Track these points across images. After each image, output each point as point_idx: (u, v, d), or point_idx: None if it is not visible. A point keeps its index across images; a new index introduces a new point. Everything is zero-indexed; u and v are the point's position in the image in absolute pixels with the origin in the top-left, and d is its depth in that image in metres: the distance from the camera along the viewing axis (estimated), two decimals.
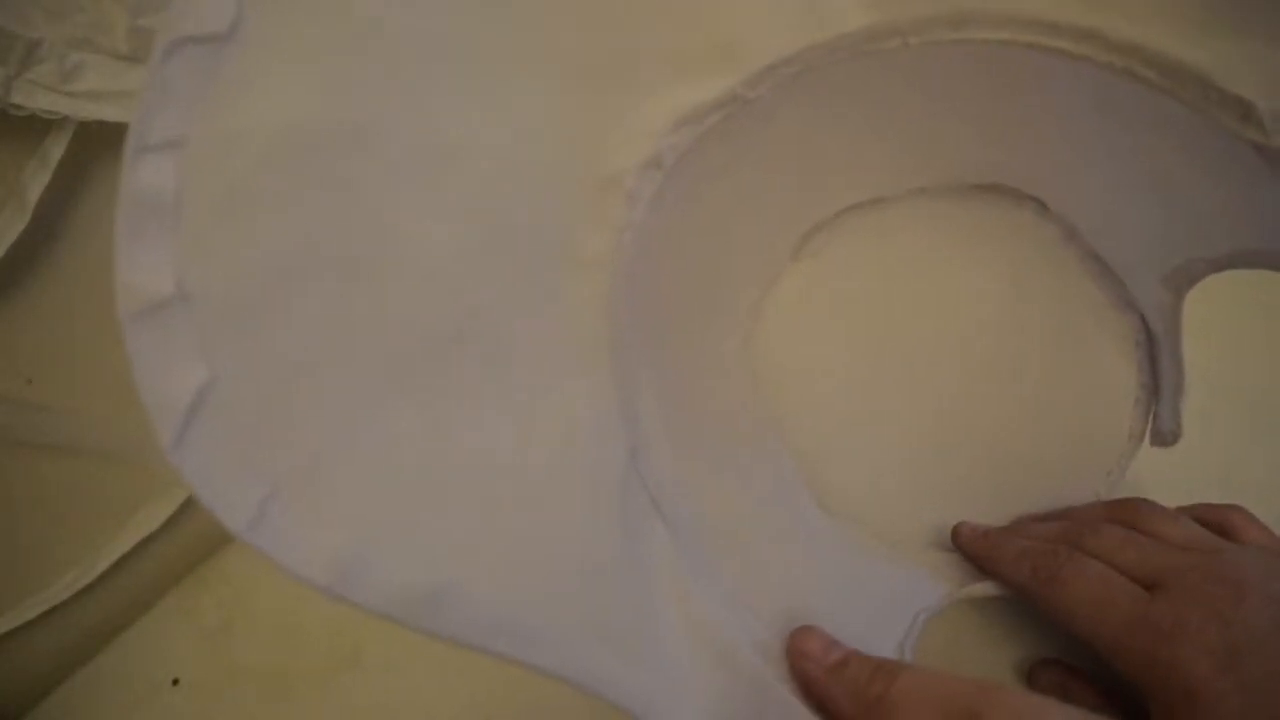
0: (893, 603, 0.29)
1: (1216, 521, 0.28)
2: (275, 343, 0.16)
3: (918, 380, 0.34)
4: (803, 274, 0.34)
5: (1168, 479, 0.33)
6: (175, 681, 0.35)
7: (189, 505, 0.35)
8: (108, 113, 0.26)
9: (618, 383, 0.23)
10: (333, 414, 0.17)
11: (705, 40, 0.24)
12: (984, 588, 0.30)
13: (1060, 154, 0.30)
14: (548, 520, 0.20)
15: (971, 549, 0.30)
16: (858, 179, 0.33)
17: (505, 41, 0.21)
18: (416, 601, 0.16)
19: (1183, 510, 0.29)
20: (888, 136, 0.30)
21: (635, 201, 0.24)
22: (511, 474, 0.19)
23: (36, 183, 0.26)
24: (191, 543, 0.37)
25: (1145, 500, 0.30)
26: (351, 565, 0.16)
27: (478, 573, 0.17)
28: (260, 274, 0.16)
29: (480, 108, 0.21)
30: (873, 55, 0.25)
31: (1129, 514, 0.29)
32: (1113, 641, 0.25)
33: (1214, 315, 0.32)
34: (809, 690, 0.23)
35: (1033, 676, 0.30)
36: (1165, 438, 0.32)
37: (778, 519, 0.31)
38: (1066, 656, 0.31)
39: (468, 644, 0.16)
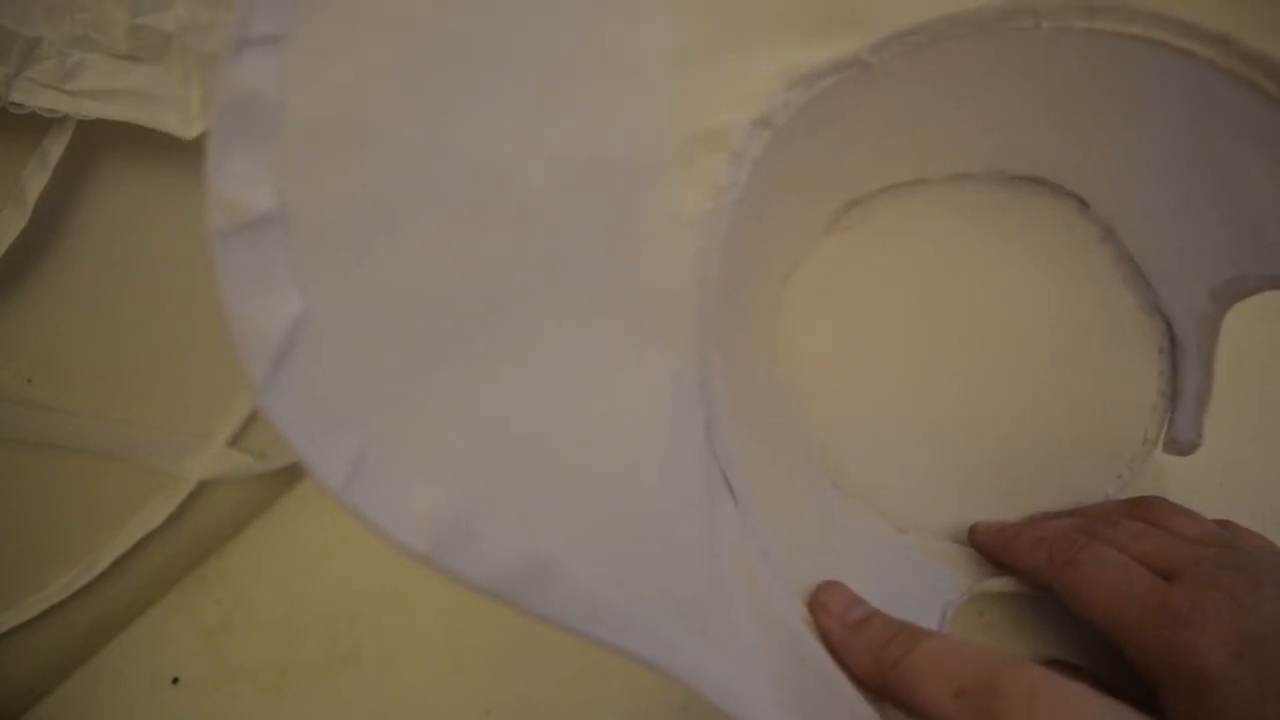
0: (919, 591, 0.29)
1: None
2: (374, 277, 0.15)
3: (938, 367, 0.34)
4: (835, 248, 0.34)
5: (1168, 479, 0.34)
6: (175, 680, 0.35)
7: (189, 504, 0.35)
8: (108, 111, 0.26)
9: (700, 353, 0.23)
10: (430, 361, 0.15)
11: (835, 1, 0.23)
12: (1000, 583, 0.30)
13: (1121, 155, 0.30)
14: (638, 496, 0.19)
15: (988, 543, 0.30)
16: (905, 158, 0.33)
17: (620, 17, 0.20)
18: (519, 578, 0.14)
19: None
20: (951, 118, 0.30)
21: (741, 160, 0.23)
22: (599, 446, 0.18)
23: (36, 181, 0.26)
24: (191, 542, 0.37)
25: (1160, 498, 0.30)
26: (453, 531, 0.14)
27: (578, 550, 0.16)
28: (361, 199, 0.15)
29: (590, 43, 0.20)
30: (993, 35, 0.25)
31: (1144, 510, 0.29)
32: (1128, 625, 0.24)
33: None
34: (827, 645, 0.23)
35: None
36: (1181, 446, 0.31)
37: (808, 496, 0.30)
38: (1071, 656, 0.31)
39: (566, 627, 0.15)
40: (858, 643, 0.22)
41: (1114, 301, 0.33)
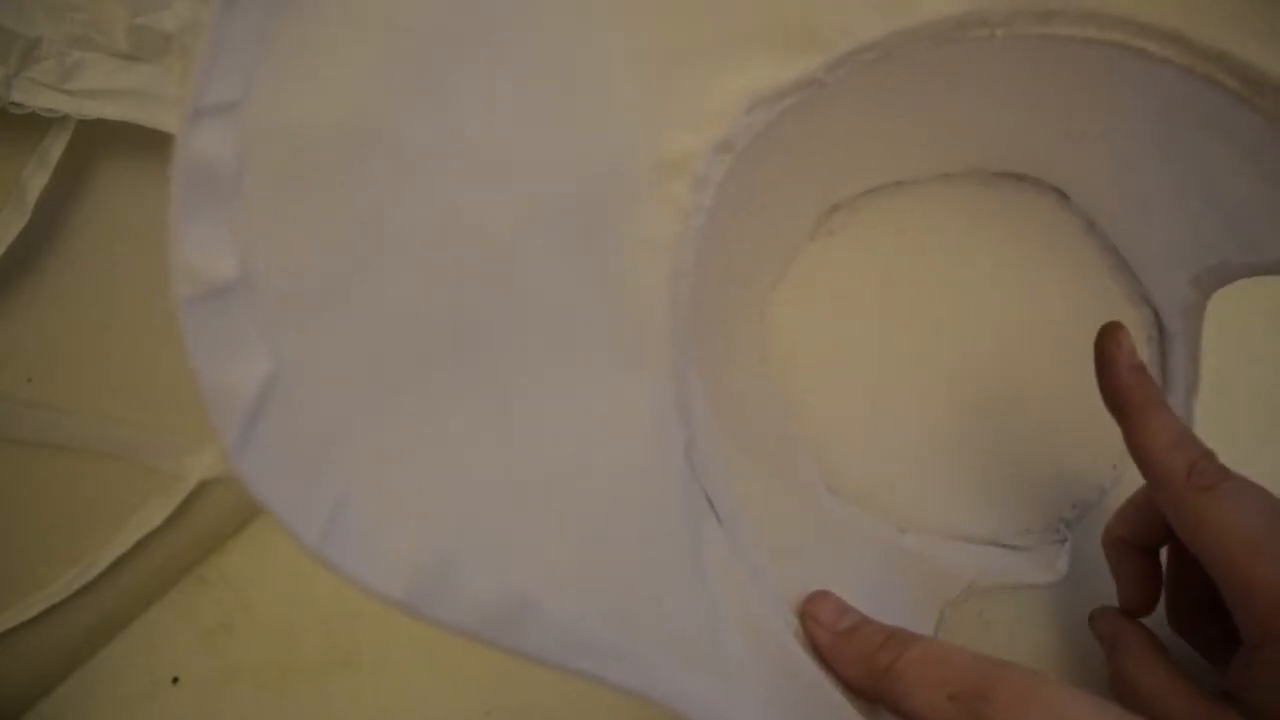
0: (915, 594, 0.29)
1: None
2: (340, 332, 0.15)
3: (928, 366, 0.34)
4: (819, 253, 0.34)
5: None
6: (175, 680, 0.35)
7: (189, 504, 0.35)
8: (107, 111, 0.26)
9: (675, 375, 0.23)
10: (401, 406, 0.16)
11: (789, 21, 0.23)
12: (1000, 581, 0.30)
13: (1096, 149, 0.30)
14: (616, 525, 0.19)
15: (1126, 390, 0.26)
16: (884, 162, 0.33)
17: (578, 16, 0.20)
18: (499, 618, 0.15)
19: None
20: (924, 123, 0.30)
21: (704, 185, 0.23)
22: (577, 476, 0.18)
23: (36, 181, 0.26)
24: (191, 542, 0.37)
25: None
26: (431, 578, 0.14)
27: (558, 585, 0.16)
28: (325, 256, 0.15)
29: (548, 79, 0.20)
30: (950, 45, 0.25)
31: None
32: (1250, 573, 0.22)
33: (1218, 313, 0.32)
34: (818, 656, 0.23)
35: (1092, 622, 0.29)
36: None
37: (799, 505, 0.31)
38: (1070, 654, 0.31)
39: (551, 663, 0.15)
40: (848, 651, 0.22)
41: (1100, 293, 0.33)
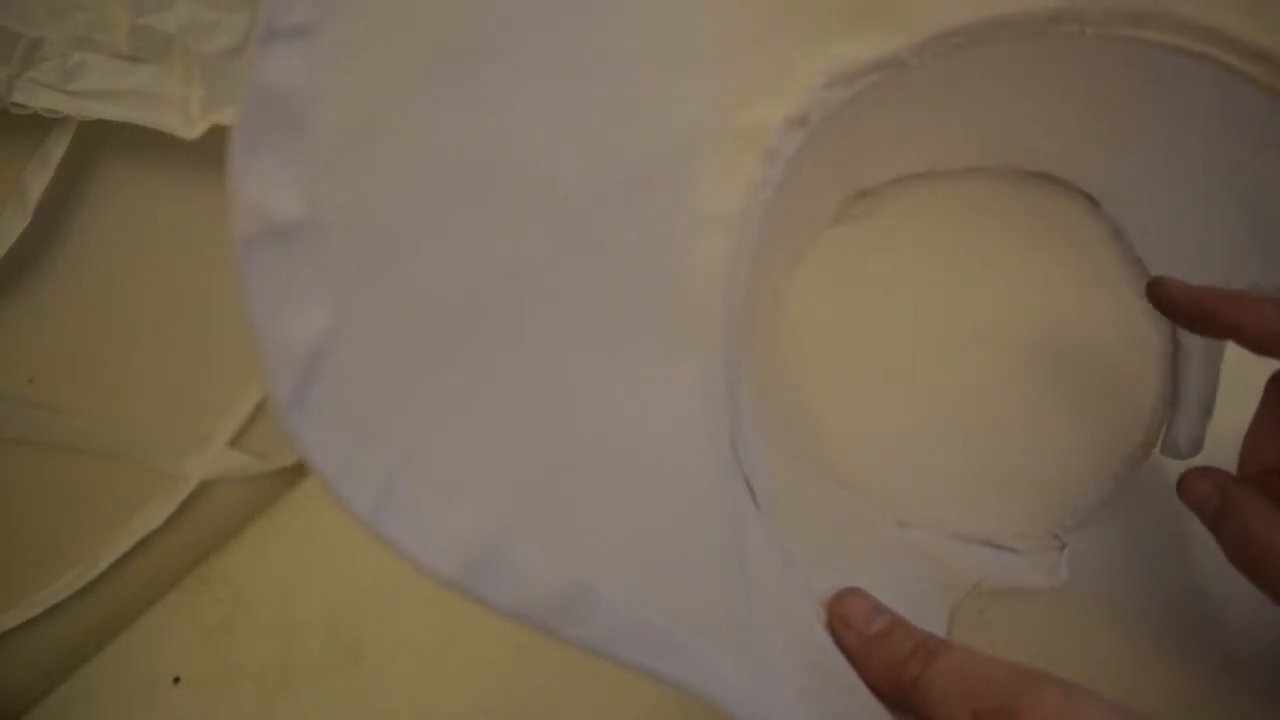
0: (927, 588, 0.28)
1: None
2: (403, 287, 0.14)
3: (940, 361, 0.34)
4: (841, 238, 0.34)
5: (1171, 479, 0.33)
6: (176, 679, 0.35)
7: (189, 504, 0.35)
8: (109, 112, 0.26)
9: (726, 356, 0.22)
10: (461, 372, 0.15)
11: None
12: (1001, 581, 0.30)
13: (1141, 160, 0.30)
14: (666, 510, 0.18)
15: (1194, 301, 0.26)
16: (919, 151, 0.33)
17: None
18: (557, 605, 0.14)
19: None
20: (966, 115, 0.30)
21: (775, 158, 0.23)
22: (629, 456, 0.18)
23: (38, 182, 0.26)
24: (192, 542, 0.37)
25: None
26: (487, 557, 0.13)
27: (613, 571, 0.15)
28: (395, 203, 0.14)
29: (633, 36, 0.19)
30: (1033, 39, 0.24)
31: None
32: None
33: None
34: (846, 658, 0.22)
35: (1186, 487, 0.27)
36: (1179, 450, 0.31)
37: (819, 494, 0.30)
38: (1069, 655, 0.31)
39: (604, 654, 0.14)
40: (876, 658, 0.22)
41: (1119, 302, 0.33)
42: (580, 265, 0.18)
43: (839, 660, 0.21)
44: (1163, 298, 0.26)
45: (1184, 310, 0.26)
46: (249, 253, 0.12)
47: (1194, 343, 0.32)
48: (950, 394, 0.33)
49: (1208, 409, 0.31)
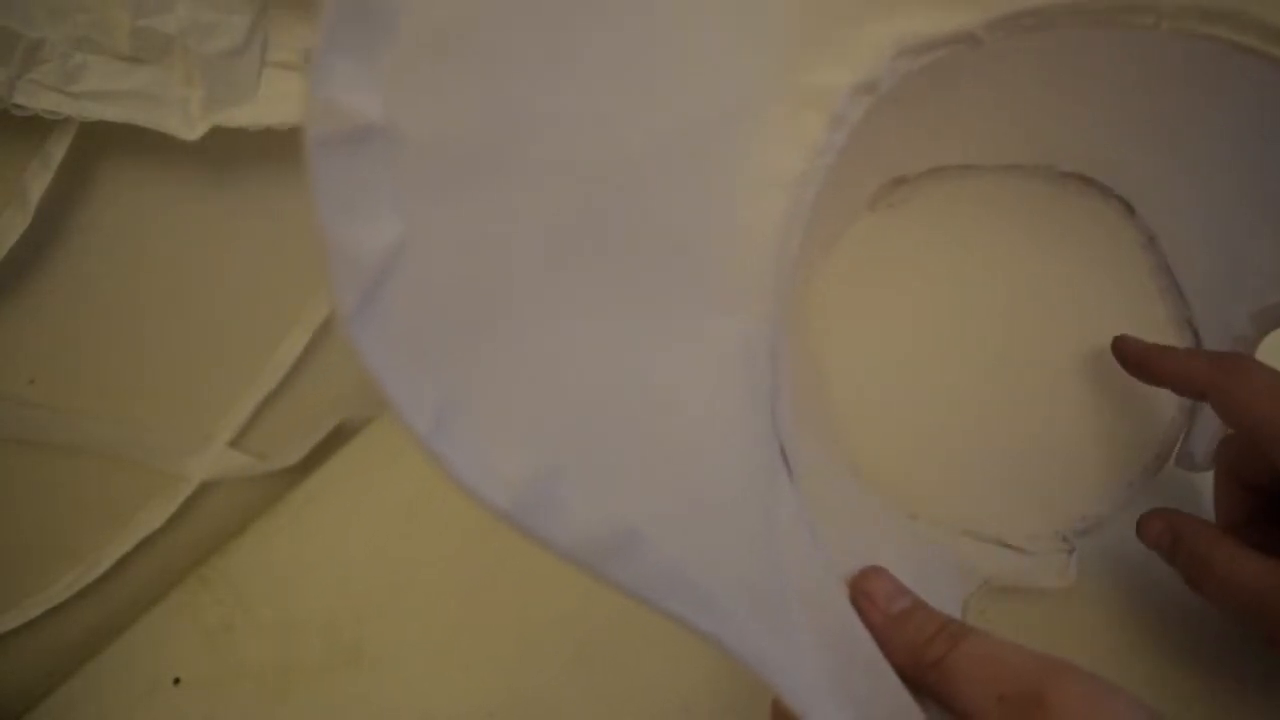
0: (940, 580, 0.28)
1: None
2: (473, 210, 0.14)
3: (961, 358, 0.34)
4: (875, 224, 0.34)
5: (1181, 479, 0.33)
6: (176, 680, 0.35)
7: (190, 505, 0.35)
8: (110, 113, 0.25)
9: (773, 320, 0.22)
10: (516, 307, 0.15)
11: None
12: (1005, 580, 0.30)
13: (1185, 167, 0.30)
14: (710, 467, 0.18)
15: (1132, 353, 0.30)
16: (959, 142, 0.33)
17: None
18: (604, 546, 0.14)
19: None
20: (1015, 108, 0.30)
21: (840, 124, 0.23)
22: (678, 409, 0.18)
23: (38, 183, 0.26)
24: (192, 542, 0.37)
25: None
26: (537, 493, 0.13)
27: (657, 520, 0.15)
28: (474, 123, 0.14)
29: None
30: (1105, 27, 0.24)
31: None
32: None
33: (1272, 351, 0.31)
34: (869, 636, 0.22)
35: (1143, 528, 0.29)
36: (1194, 463, 0.31)
37: (838, 476, 0.30)
38: (1071, 655, 0.31)
39: (645, 600, 0.14)
40: (898, 637, 0.21)
41: (1145, 311, 0.33)
42: (638, 216, 0.18)
43: (864, 637, 0.21)
44: (1119, 349, 0.30)
45: (1131, 361, 0.30)
46: (323, 154, 0.11)
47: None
48: (968, 391, 0.33)
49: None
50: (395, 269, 0.12)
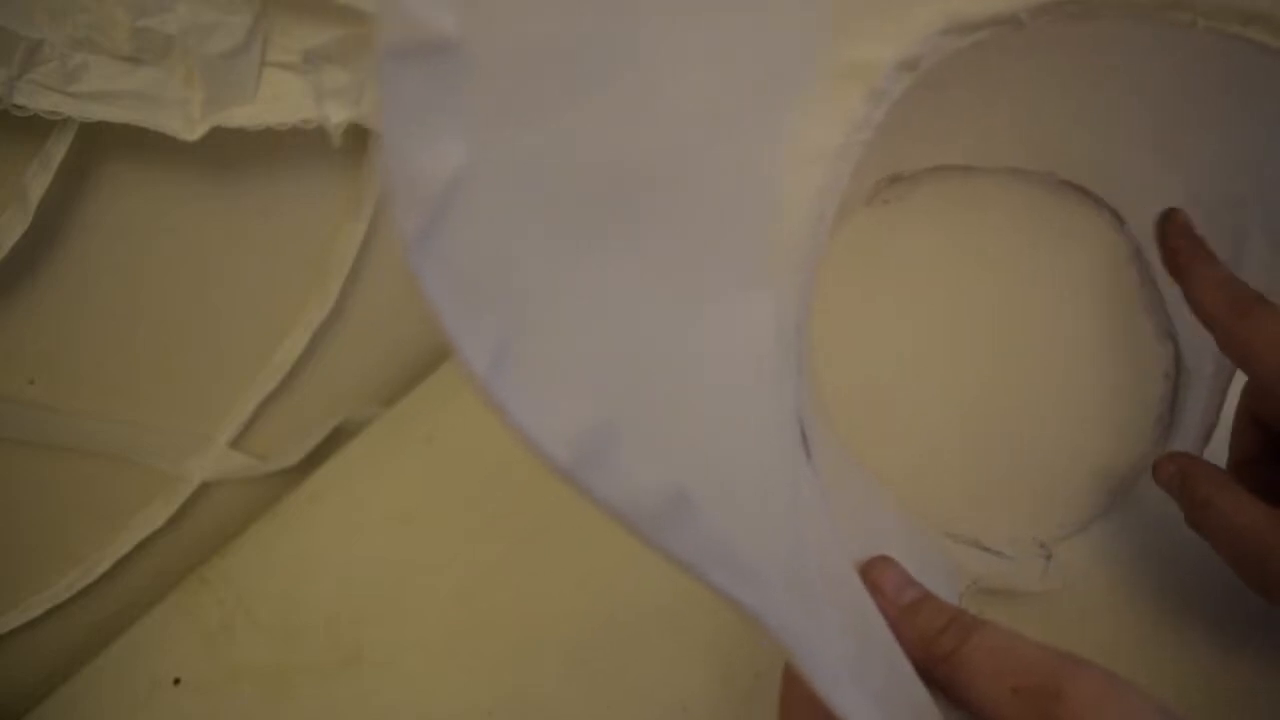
0: (937, 576, 0.28)
1: None
2: (541, 139, 0.13)
3: (947, 359, 0.34)
4: (870, 220, 0.34)
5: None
6: (176, 681, 0.35)
7: (190, 505, 0.35)
8: (110, 114, 0.26)
9: (802, 294, 0.22)
10: (573, 249, 0.14)
11: None
12: (999, 582, 0.30)
13: (1178, 178, 0.30)
14: (746, 437, 0.18)
15: (1173, 240, 0.29)
16: (962, 142, 0.33)
17: None
18: (657, 509, 0.13)
19: None
20: (1022, 111, 0.30)
21: (880, 100, 0.23)
22: (717, 378, 0.18)
23: (38, 184, 0.26)
24: (192, 543, 0.37)
25: None
26: (596, 446, 0.12)
27: (706, 487, 0.14)
28: (550, 47, 0.14)
29: None
30: (1142, 23, 0.24)
31: None
32: None
33: None
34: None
35: (1157, 469, 0.29)
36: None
37: (846, 460, 0.30)
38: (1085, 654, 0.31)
39: (691, 568, 0.13)
40: (909, 629, 0.21)
41: (1128, 322, 0.33)
42: (685, 174, 0.18)
43: (880, 625, 0.21)
44: (1163, 223, 0.29)
45: (1168, 244, 0.29)
46: (393, 65, 0.11)
47: (1200, 369, 0.31)
48: (951, 391, 0.33)
49: (1205, 437, 0.31)
50: (458, 196, 0.12)
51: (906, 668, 0.20)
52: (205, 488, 0.36)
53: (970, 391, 0.33)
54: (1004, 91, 0.29)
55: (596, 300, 0.15)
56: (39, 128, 0.25)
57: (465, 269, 0.12)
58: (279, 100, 0.29)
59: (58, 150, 0.26)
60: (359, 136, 0.33)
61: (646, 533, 0.13)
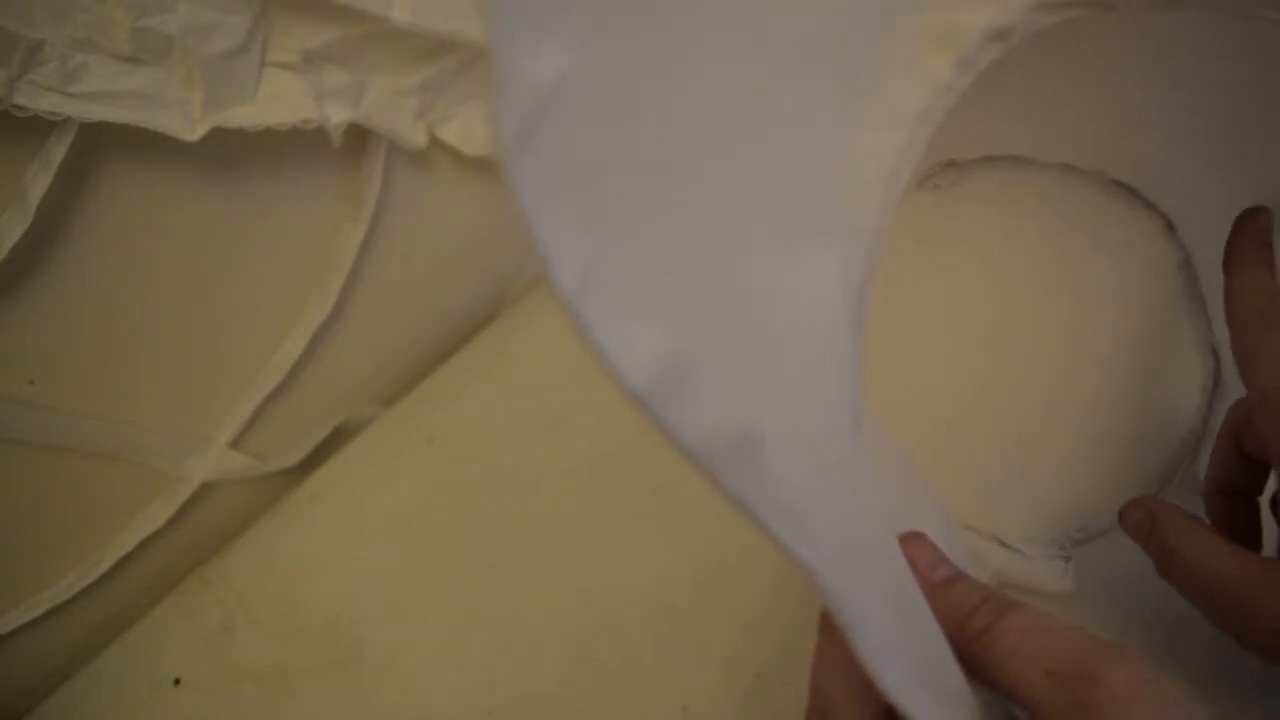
0: (966, 565, 0.28)
1: None
2: (640, 52, 0.13)
3: (983, 351, 0.33)
4: (918, 206, 0.34)
5: (1185, 501, 0.33)
6: (176, 681, 0.35)
7: (190, 505, 0.35)
8: (110, 114, 0.26)
9: (871, 254, 0.22)
10: (661, 177, 0.14)
11: None
12: (1018, 579, 0.30)
13: (1232, 187, 0.29)
14: (815, 391, 0.17)
15: (1243, 234, 0.28)
16: (1019, 132, 0.32)
17: None
18: (728, 450, 0.13)
19: None
20: (1083, 106, 0.30)
21: (967, 68, 0.23)
22: (795, 324, 0.17)
23: (38, 184, 0.26)
24: (192, 543, 0.37)
25: None
26: (674, 379, 0.12)
27: (777, 434, 0.14)
28: None
29: None
30: (1233, 15, 0.24)
31: None
32: None
33: None
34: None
35: (1123, 515, 0.28)
36: (1198, 486, 0.31)
37: (884, 434, 0.30)
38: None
39: (754, 514, 0.13)
40: (942, 604, 0.21)
41: (1171, 331, 0.33)
42: (775, 114, 0.18)
43: (919, 598, 0.20)
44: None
45: (1232, 235, 0.28)
46: None
47: (1240, 386, 0.31)
48: (982, 384, 0.33)
49: None
50: (558, 105, 0.11)
51: (941, 641, 0.20)
52: (205, 488, 0.36)
53: (999, 385, 0.33)
54: (1064, 84, 0.28)
55: (684, 227, 0.15)
56: (39, 128, 0.25)
57: (559, 181, 0.11)
58: (279, 100, 0.29)
59: (58, 150, 0.26)
60: (359, 136, 0.33)
61: (714, 470, 0.13)
